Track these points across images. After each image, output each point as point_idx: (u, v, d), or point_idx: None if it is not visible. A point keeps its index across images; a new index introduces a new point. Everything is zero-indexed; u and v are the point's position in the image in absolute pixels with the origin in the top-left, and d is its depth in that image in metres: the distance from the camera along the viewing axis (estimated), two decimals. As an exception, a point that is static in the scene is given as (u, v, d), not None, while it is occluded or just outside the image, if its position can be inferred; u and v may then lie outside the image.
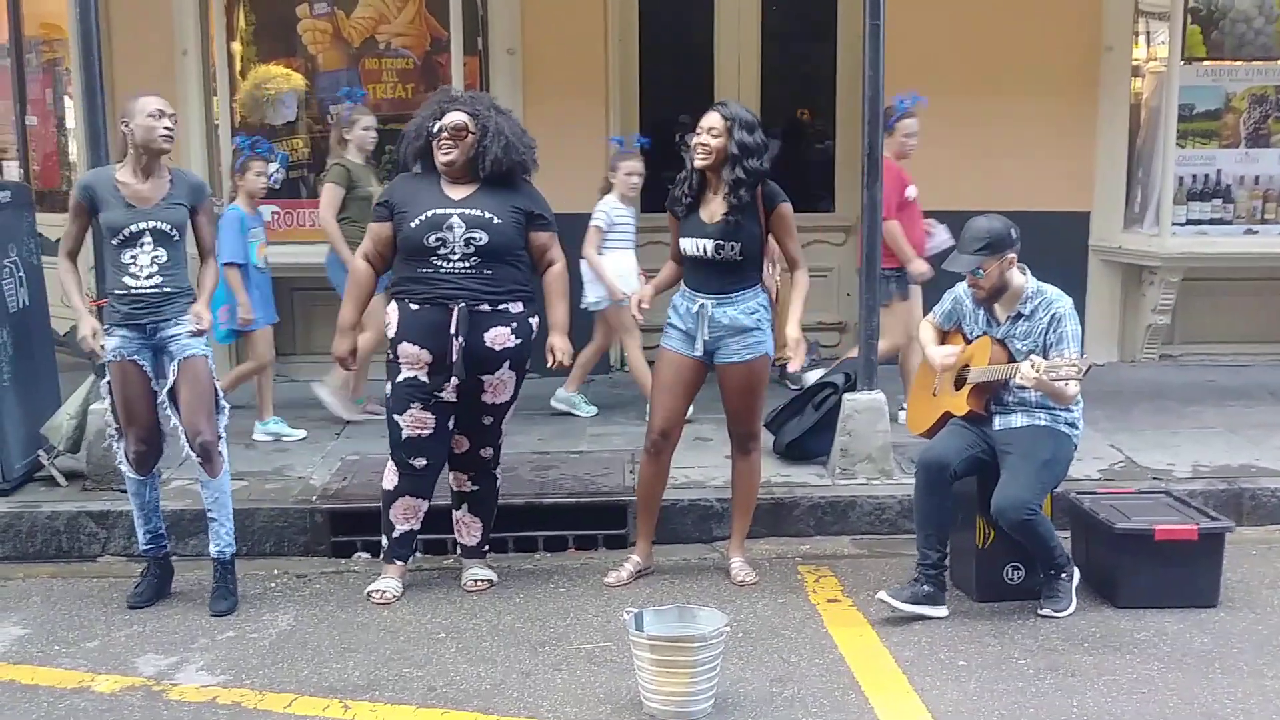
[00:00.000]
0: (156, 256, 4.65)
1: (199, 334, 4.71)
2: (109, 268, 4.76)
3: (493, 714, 3.89)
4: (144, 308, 4.66)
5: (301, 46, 7.87)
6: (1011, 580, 4.74)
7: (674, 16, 8.38)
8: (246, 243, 6.35)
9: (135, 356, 4.69)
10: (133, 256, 4.63)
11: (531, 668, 4.23)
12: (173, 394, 4.71)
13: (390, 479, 4.83)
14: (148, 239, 4.64)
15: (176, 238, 4.69)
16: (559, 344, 4.88)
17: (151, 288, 4.65)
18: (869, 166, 5.67)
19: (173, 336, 4.69)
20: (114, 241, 4.65)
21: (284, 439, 6.48)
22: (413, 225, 4.63)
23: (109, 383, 4.78)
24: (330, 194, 6.64)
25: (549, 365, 4.92)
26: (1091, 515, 4.83)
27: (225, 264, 6.26)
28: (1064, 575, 4.62)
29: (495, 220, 4.64)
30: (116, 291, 4.67)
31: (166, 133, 4.64)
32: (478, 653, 4.35)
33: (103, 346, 4.71)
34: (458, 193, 4.69)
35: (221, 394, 4.83)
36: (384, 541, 4.93)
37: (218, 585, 4.80)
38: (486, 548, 5.09)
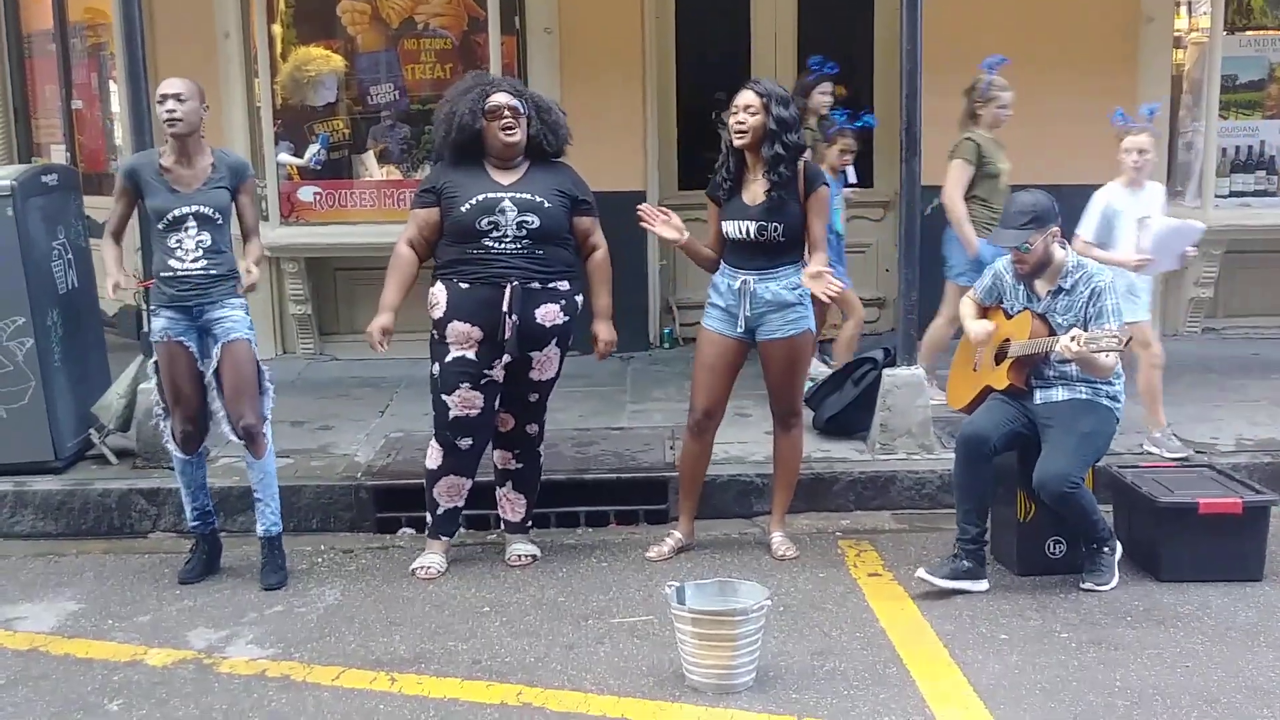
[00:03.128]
0: (201, 240, 4.70)
1: (249, 291, 4.74)
2: (156, 250, 4.82)
3: (537, 686, 3.94)
4: (190, 290, 4.72)
5: (341, 28, 7.91)
6: (1053, 554, 4.74)
7: (710, -9, 8.36)
8: (834, 210, 6.19)
9: (181, 338, 4.75)
10: (178, 240, 4.69)
11: (575, 641, 4.28)
12: (218, 376, 4.77)
13: (434, 458, 4.88)
14: (191, 223, 4.69)
15: (220, 221, 4.74)
16: (604, 332, 4.92)
17: (197, 271, 4.71)
18: (907, 141, 5.66)
19: (218, 319, 4.75)
20: (159, 226, 4.72)
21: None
22: (464, 209, 4.66)
23: (156, 362, 4.86)
24: (958, 171, 6.30)
25: (597, 357, 4.95)
26: (1134, 489, 4.82)
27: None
28: (1106, 549, 4.61)
29: (545, 204, 4.69)
30: (163, 274, 4.74)
31: (168, 116, 4.64)
32: (521, 626, 4.41)
33: (117, 285, 4.77)
34: (506, 178, 4.72)
35: (266, 375, 4.89)
36: (428, 519, 4.99)
37: (266, 561, 4.88)
38: (530, 523, 5.14)
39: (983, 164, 6.29)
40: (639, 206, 4.82)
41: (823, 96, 6.87)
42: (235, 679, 4.06)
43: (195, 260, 4.70)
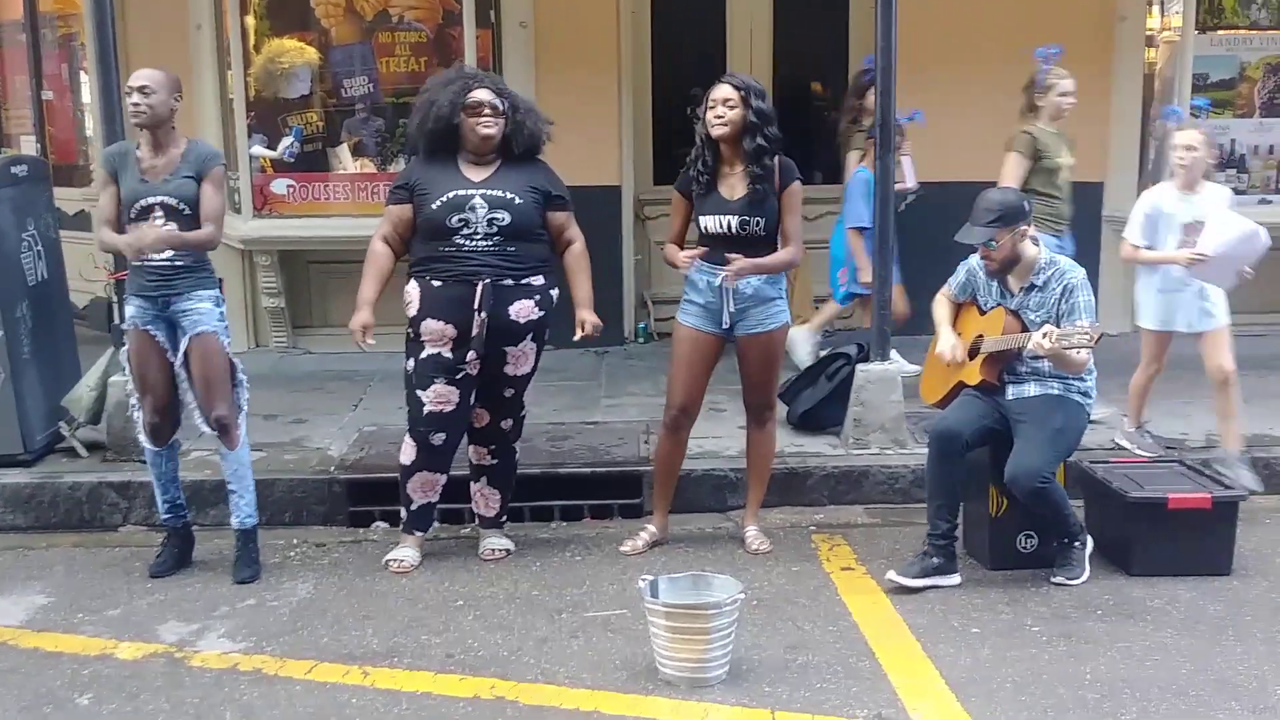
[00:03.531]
0: (169, 230, 4.67)
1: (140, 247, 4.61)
2: None
3: (510, 680, 3.94)
4: (156, 280, 4.70)
5: (314, 20, 7.86)
6: (1025, 549, 4.77)
7: (686, -12, 8.37)
8: (874, 206, 5.98)
9: (149, 327, 4.74)
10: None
11: (548, 635, 4.28)
12: (187, 368, 4.76)
13: (408, 453, 4.87)
14: (159, 212, 4.66)
15: (187, 212, 4.70)
16: (590, 317, 4.90)
17: (164, 261, 4.68)
18: (881, 138, 5.68)
19: (185, 311, 4.73)
20: (130, 215, 4.70)
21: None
22: (434, 207, 4.65)
23: (128, 351, 4.83)
24: (1012, 165, 6.04)
25: (576, 338, 4.92)
26: (1105, 484, 4.86)
27: (850, 228, 6.47)
28: (1077, 543, 4.65)
29: (517, 200, 4.68)
30: (133, 263, 4.72)
31: (133, 109, 4.64)
32: (495, 620, 4.40)
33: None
34: (477, 174, 4.71)
35: (239, 368, 4.86)
36: (402, 514, 4.98)
37: (240, 554, 4.87)
38: (504, 518, 5.14)
39: (1040, 158, 6.05)
40: (669, 253, 4.85)
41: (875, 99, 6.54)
42: (207, 673, 4.04)
43: (162, 251, 4.66)
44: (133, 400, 4.90)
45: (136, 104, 4.63)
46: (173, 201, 4.67)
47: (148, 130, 4.69)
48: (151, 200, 4.67)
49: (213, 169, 4.79)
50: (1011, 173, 6.03)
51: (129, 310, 4.76)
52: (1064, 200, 6.15)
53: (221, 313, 4.83)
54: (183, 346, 4.74)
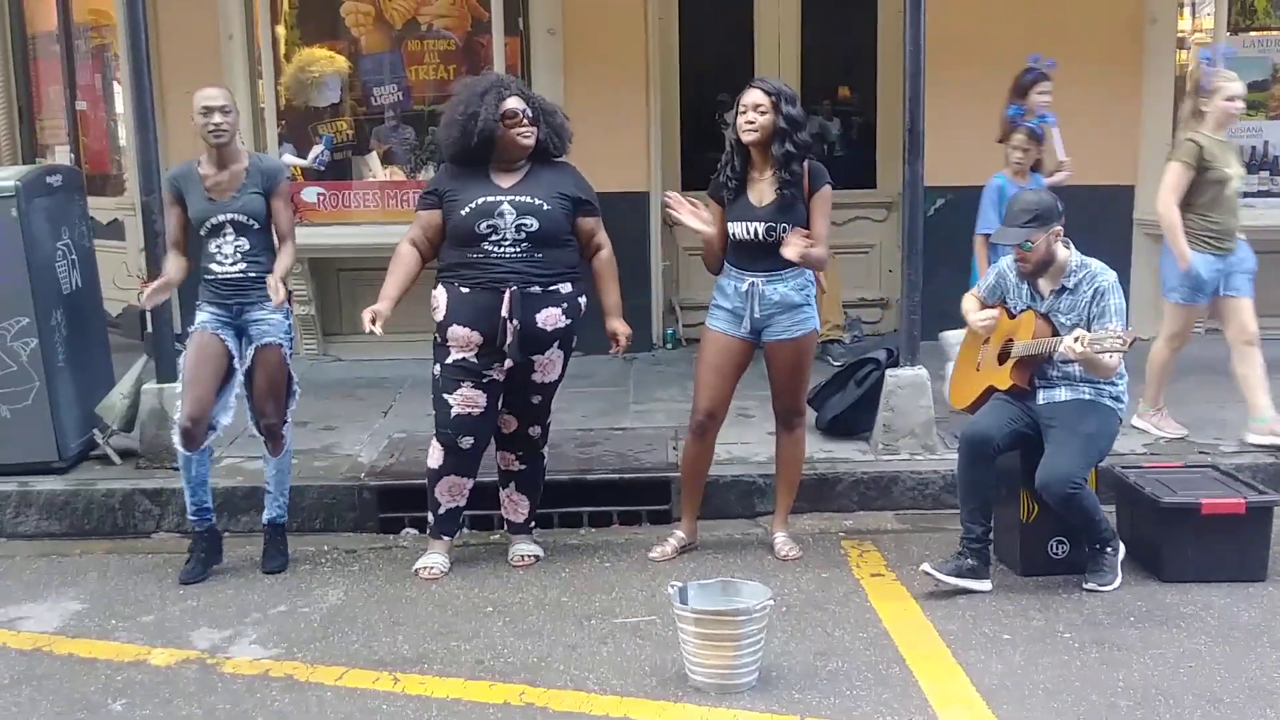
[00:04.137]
0: (239, 245, 4.82)
1: (281, 308, 4.83)
2: (201, 254, 4.90)
3: (539, 686, 3.94)
4: (230, 291, 4.84)
5: (344, 29, 7.92)
6: (1056, 555, 4.74)
7: (713, -7, 8.38)
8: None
9: (219, 332, 4.86)
10: (218, 246, 4.82)
11: (577, 641, 4.28)
12: (249, 376, 4.89)
13: (436, 458, 4.89)
14: (229, 230, 4.81)
15: (256, 226, 4.84)
16: (621, 328, 4.91)
17: (237, 274, 4.84)
18: (910, 142, 5.66)
19: (255, 320, 4.86)
20: (200, 232, 4.84)
21: None
22: (463, 213, 4.67)
23: (187, 352, 4.90)
24: (1173, 175, 5.67)
25: (612, 353, 4.93)
26: (1137, 489, 4.82)
27: (979, 234, 6.13)
28: (1109, 549, 4.61)
29: (545, 206, 4.69)
30: (205, 277, 4.88)
31: (215, 128, 4.76)
32: (524, 626, 4.41)
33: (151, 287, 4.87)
34: (506, 180, 4.73)
35: (295, 380, 4.97)
36: (430, 519, 5.00)
37: (269, 545, 5.01)
38: (533, 524, 5.15)
39: (1205, 169, 5.65)
40: (666, 194, 4.81)
41: (1041, 97, 6.30)
42: (238, 679, 4.06)
43: (234, 264, 4.83)
44: (178, 401, 4.95)
45: (219, 124, 4.76)
46: (242, 218, 4.82)
47: (217, 149, 4.80)
48: (221, 218, 4.81)
49: (279, 184, 4.94)
50: (1173, 183, 5.67)
51: (200, 316, 4.88)
52: (1231, 214, 5.76)
53: (289, 325, 4.96)
54: (249, 356, 4.87)
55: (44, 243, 5.70)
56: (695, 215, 4.76)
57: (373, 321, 4.70)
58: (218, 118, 4.75)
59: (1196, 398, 6.55)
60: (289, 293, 4.97)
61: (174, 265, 4.97)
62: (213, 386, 4.85)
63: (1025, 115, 6.22)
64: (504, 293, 4.64)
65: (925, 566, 4.59)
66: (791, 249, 4.58)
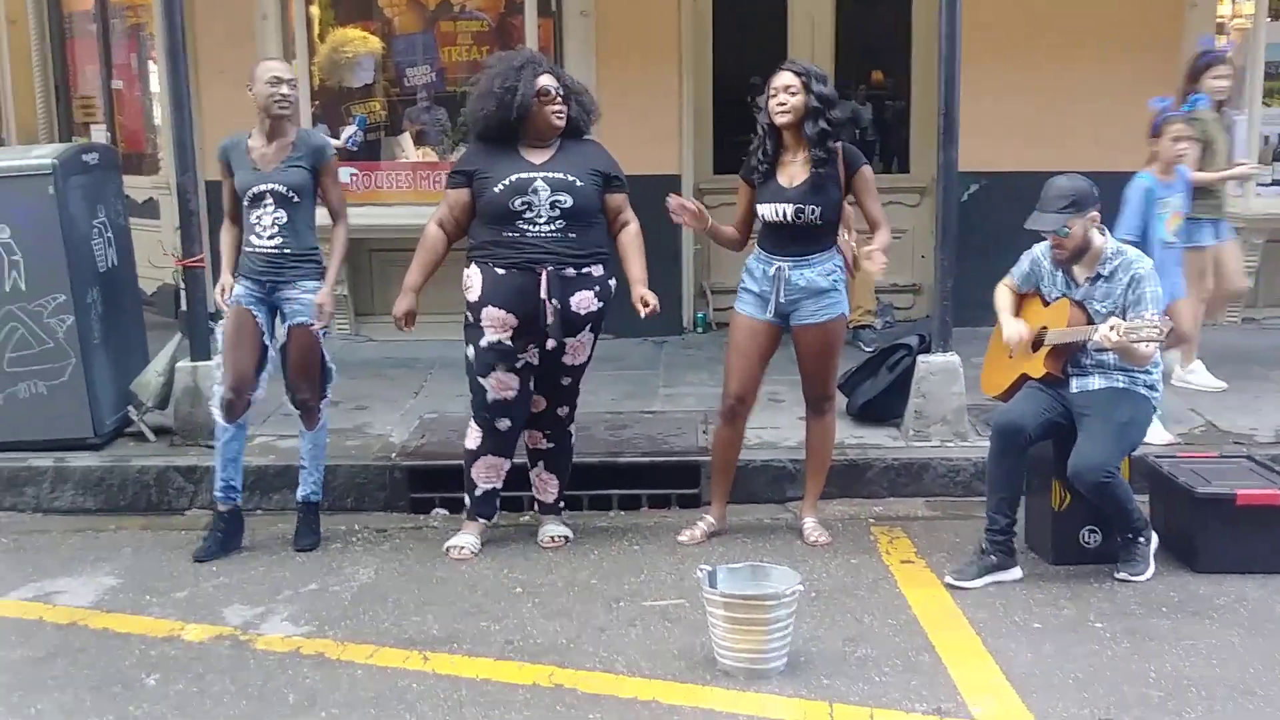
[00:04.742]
0: (278, 218, 4.83)
1: (315, 324, 4.88)
2: (244, 225, 4.94)
3: (569, 668, 3.96)
4: (266, 266, 4.86)
5: (378, 10, 7.94)
6: (1088, 544, 4.71)
7: (747, -25, 8.33)
8: (1154, 214, 5.65)
9: (252, 307, 4.89)
10: (257, 217, 4.84)
11: (606, 623, 4.29)
12: (284, 353, 4.93)
13: (474, 439, 4.90)
14: (269, 200, 4.82)
15: (296, 199, 4.85)
16: (648, 295, 4.83)
17: (273, 248, 4.84)
18: (945, 126, 5.63)
19: (289, 299, 4.89)
20: (244, 202, 4.87)
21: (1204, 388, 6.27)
22: (496, 190, 4.67)
23: (224, 326, 4.95)
24: None
25: (643, 316, 4.84)
26: (1171, 479, 4.78)
27: (1119, 238, 5.53)
28: (1142, 539, 4.58)
29: (578, 183, 4.69)
30: (245, 249, 4.90)
31: (282, 99, 4.80)
32: (554, 607, 4.42)
33: (223, 290, 4.93)
34: (538, 157, 4.72)
35: (329, 359, 5.00)
36: (466, 500, 5.01)
37: (301, 523, 5.06)
38: (563, 505, 5.16)
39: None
40: (668, 198, 4.81)
41: (1217, 81, 6.14)
42: (270, 655, 4.10)
43: (271, 237, 4.84)
44: (217, 373, 4.98)
45: (286, 95, 4.82)
46: (282, 189, 4.82)
47: (275, 120, 4.83)
48: (263, 188, 4.82)
49: (328, 160, 4.97)
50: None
51: (236, 289, 4.90)
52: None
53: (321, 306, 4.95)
54: (281, 335, 4.91)
55: (80, 221, 5.75)
56: (694, 216, 4.79)
57: (407, 323, 4.79)
58: (285, 89, 4.80)
59: (1231, 386, 6.49)
60: (320, 264, 4.95)
61: (229, 247, 4.98)
62: (252, 359, 4.88)
63: (1174, 105, 5.95)
64: (540, 274, 4.64)
65: (948, 578, 4.55)
66: (875, 264, 4.63)
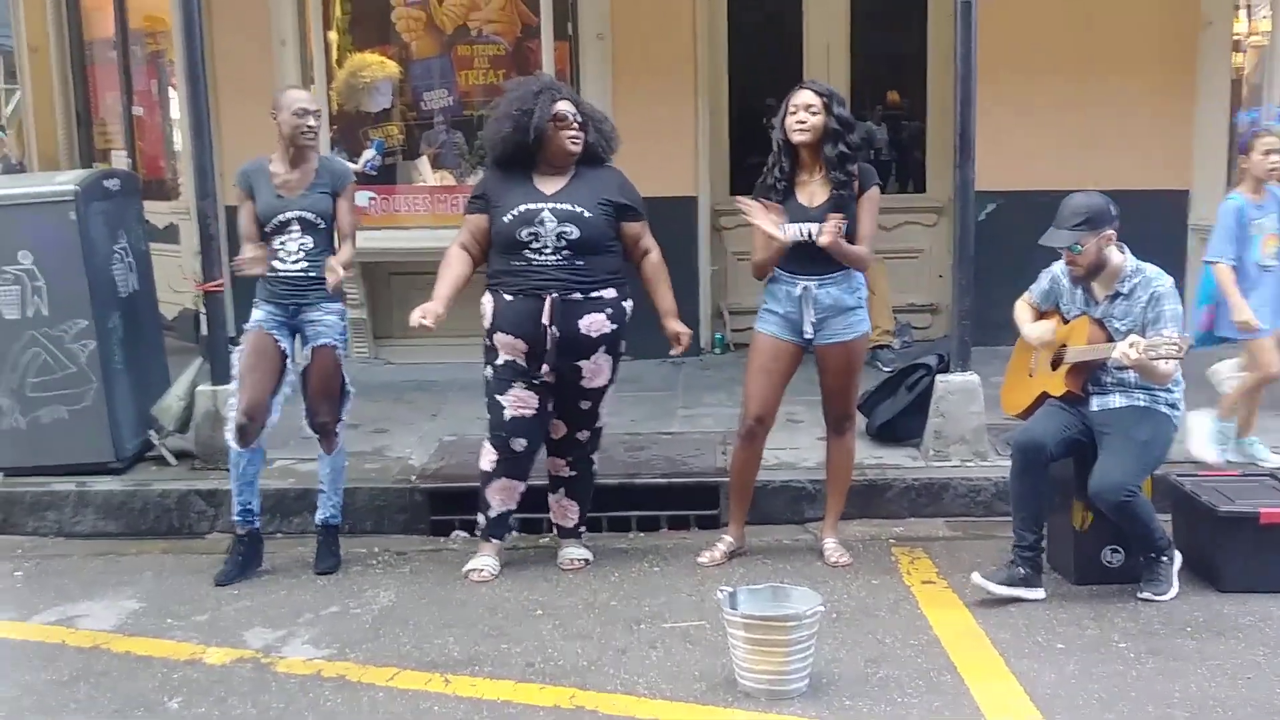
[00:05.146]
0: (304, 244, 4.88)
1: (339, 292, 4.88)
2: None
3: (589, 690, 3.95)
4: (290, 290, 4.89)
5: (395, 34, 7.99)
6: (1110, 563, 4.69)
7: (762, -1, 8.38)
8: (1247, 236, 5.47)
9: (274, 331, 4.91)
10: (282, 243, 4.88)
11: (627, 645, 4.28)
12: (305, 375, 4.96)
13: (488, 460, 4.91)
14: (295, 227, 4.87)
15: (322, 225, 4.91)
16: (681, 329, 4.90)
17: (298, 272, 4.89)
18: (961, 146, 5.63)
19: (311, 321, 4.92)
20: (266, 229, 4.90)
21: (1260, 463, 5.54)
22: (505, 220, 4.69)
23: (242, 349, 4.96)
24: None
25: (674, 353, 4.92)
26: (1193, 498, 4.76)
27: (1209, 261, 5.53)
28: (1164, 558, 4.55)
29: (586, 214, 4.69)
30: (268, 274, 4.91)
31: (309, 130, 4.87)
32: (574, 629, 4.42)
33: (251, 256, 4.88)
34: (549, 186, 4.74)
35: (348, 381, 5.01)
36: (480, 520, 5.02)
37: (321, 547, 5.06)
38: (582, 528, 5.16)
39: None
40: (738, 199, 4.79)
41: None
42: (292, 678, 4.10)
43: (296, 262, 4.88)
44: (231, 400, 5.01)
45: (312, 126, 4.89)
46: (310, 216, 4.88)
47: (298, 149, 4.89)
48: (289, 215, 4.87)
49: (347, 185, 5.05)
50: None
51: (256, 314, 4.94)
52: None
53: (344, 326, 5.02)
54: (305, 356, 4.93)
55: (102, 246, 5.79)
56: (769, 219, 4.69)
57: (423, 316, 4.66)
58: (311, 120, 4.87)
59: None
60: (344, 295, 5.01)
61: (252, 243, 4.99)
62: (268, 385, 4.90)
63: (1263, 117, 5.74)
64: (545, 300, 4.66)
65: (975, 577, 4.55)
66: (826, 236, 4.57)
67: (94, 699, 3.98)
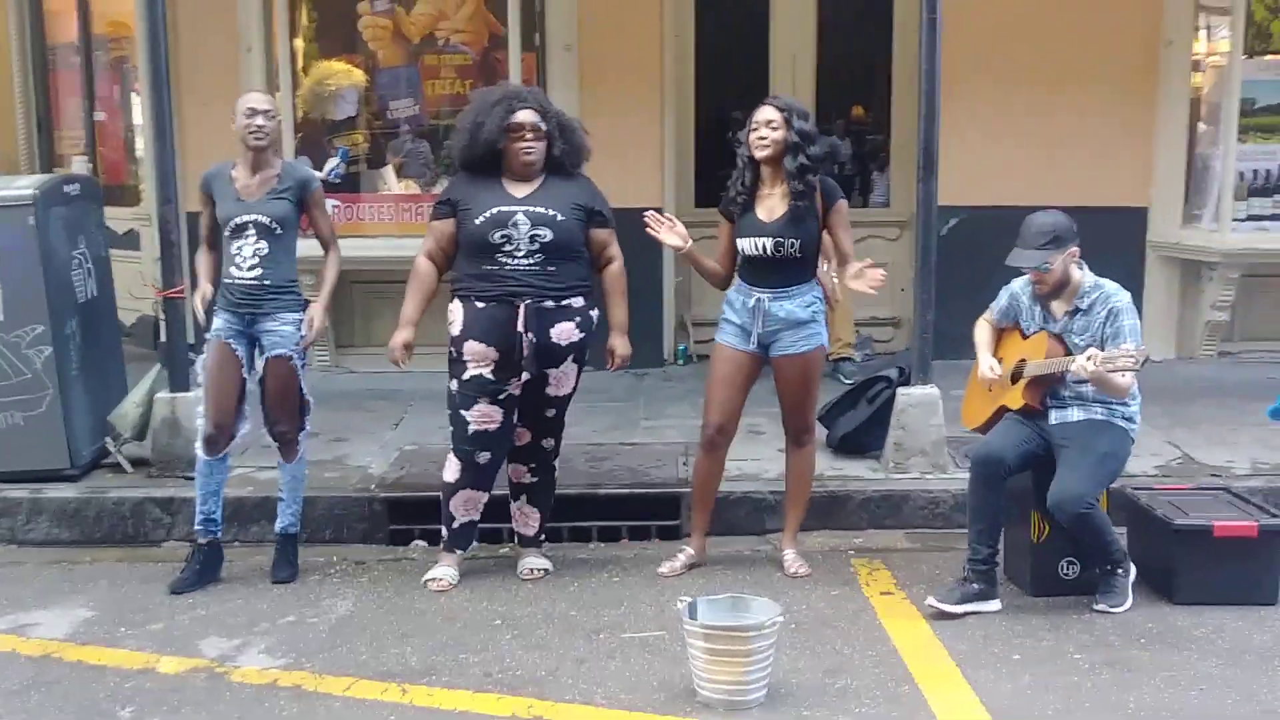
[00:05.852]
0: (259, 249, 4.82)
1: (304, 340, 4.89)
2: (224, 257, 4.95)
3: (547, 700, 3.94)
4: (244, 298, 4.84)
5: (362, 43, 7.97)
6: (1067, 575, 4.72)
7: (730, 12, 8.40)
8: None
9: (231, 340, 4.87)
10: (238, 248, 4.83)
11: (586, 655, 4.27)
12: (262, 385, 4.92)
13: (452, 472, 4.89)
14: (251, 231, 4.82)
15: (279, 231, 4.85)
16: (620, 346, 4.94)
17: (252, 279, 4.83)
18: (925, 161, 5.67)
19: (267, 331, 4.87)
20: (225, 233, 4.86)
21: None
22: (477, 222, 4.69)
23: (205, 360, 4.94)
24: None
25: (609, 368, 4.97)
26: (1149, 511, 4.80)
27: None
28: (1120, 571, 4.59)
29: (559, 217, 4.70)
30: (224, 280, 4.88)
31: (257, 129, 4.81)
32: (533, 640, 4.40)
33: (204, 297, 4.92)
34: (520, 190, 4.74)
35: (306, 392, 4.97)
36: (444, 532, 4.99)
37: (279, 556, 5.02)
38: (543, 537, 5.14)
39: None
40: (646, 214, 4.84)
41: None
42: (247, 688, 4.06)
43: (252, 268, 4.82)
44: (199, 409, 4.97)
45: (261, 126, 4.81)
46: (265, 220, 4.83)
47: (254, 152, 4.84)
48: (245, 218, 4.82)
49: (314, 191, 4.99)
50: None
51: (216, 322, 4.89)
52: None
53: (301, 336, 4.94)
54: (260, 367, 4.89)
55: (60, 251, 5.73)
56: (671, 231, 4.80)
57: (404, 356, 4.81)
58: (260, 120, 4.80)
59: (1208, 419, 6.54)
60: (304, 303, 4.97)
61: (206, 266, 5.01)
62: (234, 394, 4.87)
63: None
64: (518, 307, 4.65)
65: (930, 600, 4.56)
66: (870, 278, 4.67)
67: (45, 708, 3.93)
